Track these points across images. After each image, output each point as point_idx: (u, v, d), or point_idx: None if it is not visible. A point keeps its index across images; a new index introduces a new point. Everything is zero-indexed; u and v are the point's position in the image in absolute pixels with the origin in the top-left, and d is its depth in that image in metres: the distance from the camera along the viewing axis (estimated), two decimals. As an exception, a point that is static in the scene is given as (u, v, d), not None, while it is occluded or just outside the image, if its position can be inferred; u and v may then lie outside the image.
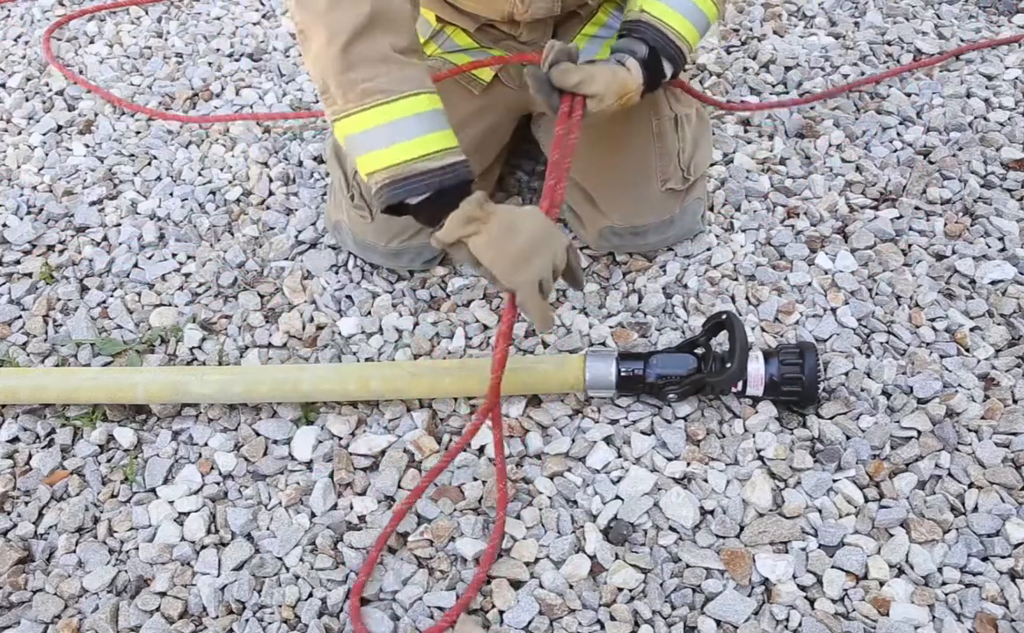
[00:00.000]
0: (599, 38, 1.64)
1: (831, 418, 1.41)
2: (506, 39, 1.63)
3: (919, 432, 1.38)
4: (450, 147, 1.29)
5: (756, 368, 1.38)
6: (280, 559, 1.29)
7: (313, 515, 1.34)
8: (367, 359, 1.56)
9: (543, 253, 1.26)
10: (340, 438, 1.44)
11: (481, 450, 1.41)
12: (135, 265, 1.76)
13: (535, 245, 1.26)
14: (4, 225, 1.84)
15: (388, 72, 1.26)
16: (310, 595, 1.25)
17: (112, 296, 1.70)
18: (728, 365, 1.35)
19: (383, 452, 1.41)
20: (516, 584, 1.24)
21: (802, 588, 1.22)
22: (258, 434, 1.45)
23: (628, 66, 1.41)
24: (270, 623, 1.22)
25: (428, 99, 1.29)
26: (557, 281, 1.31)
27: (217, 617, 1.23)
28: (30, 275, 1.74)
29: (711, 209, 1.78)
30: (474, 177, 1.31)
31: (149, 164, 1.99)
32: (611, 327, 1.57)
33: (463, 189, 1.28)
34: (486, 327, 1.60)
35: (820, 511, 1.30)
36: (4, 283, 1.73)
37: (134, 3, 2.50)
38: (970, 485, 1.32)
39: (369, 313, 1.63)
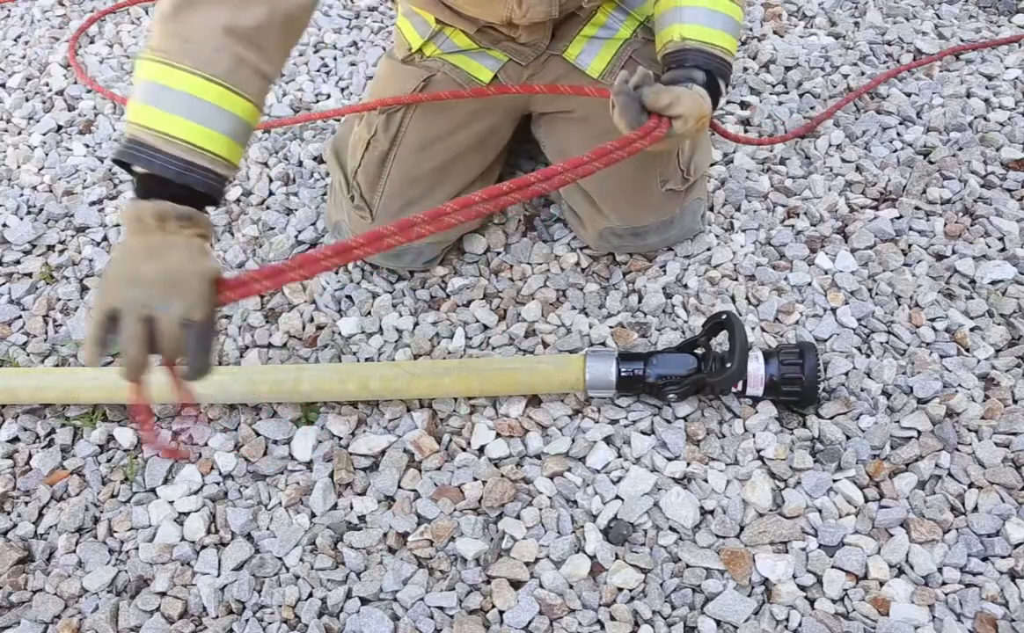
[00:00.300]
0: (598, 39, 1.64)
1: (831, 418, 1.41)
2: (505, 40, 1.63)
3: (919, 432, 1.38)
4: (214, 151, 1.14)
5: (756, 368, 1.38)
6: (280, 559, 1.29)
7: (313, 515, 1.34)
8: (367, 359, 1.56)
9: (165, 288, 1.06)
10: (340, 438, 1.44)
11: (481, 450, 1.41)
12: (135, 265, 1.75)
13: (164, 276, 1.07)
14: (4, 225, 1.84)
15: (204, 45, 1.13)
16: (310, 595, 1.25)
17: (112, 296, 1.70)
18: (728, 365, 1.35)
19: (383, 452, 1.41)
20: (516, 584, 1.24)
21: (802, 588, 1.22)
22: (258, 434, 1.45)
23: (699, 92, 1.39)
24: (270, 623, 1.22)
25: (221, 92, 1.14)
26: (178, 341, 1.07)
27: (217, 617, 1.23)
28: (30, 275, 1.74)
29: (711, 209, 1.78)
30: (213, 200, 1.16)
31: (149, 164, 1.99)
32: (611, 327, 1.57)
33: (191, 195, 1.13)
34: (486, 327, 1.60)
35: (820, 511, 1.30)
36: (4, 283, 1.73)
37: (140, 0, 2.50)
38: (970, 485, 1.32)
39: (369, 313, 1.63)
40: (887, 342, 1.52)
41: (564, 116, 1.65)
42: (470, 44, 1.64)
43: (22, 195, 1.92)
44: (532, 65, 1.64)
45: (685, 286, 1.64)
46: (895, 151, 1.89)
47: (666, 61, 1.45)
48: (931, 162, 1.85)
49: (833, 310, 1.58)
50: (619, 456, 1.39)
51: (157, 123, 1.12)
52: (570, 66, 1.64)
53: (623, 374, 1.39)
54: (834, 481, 1.33)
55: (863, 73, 2.09)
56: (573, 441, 1.41)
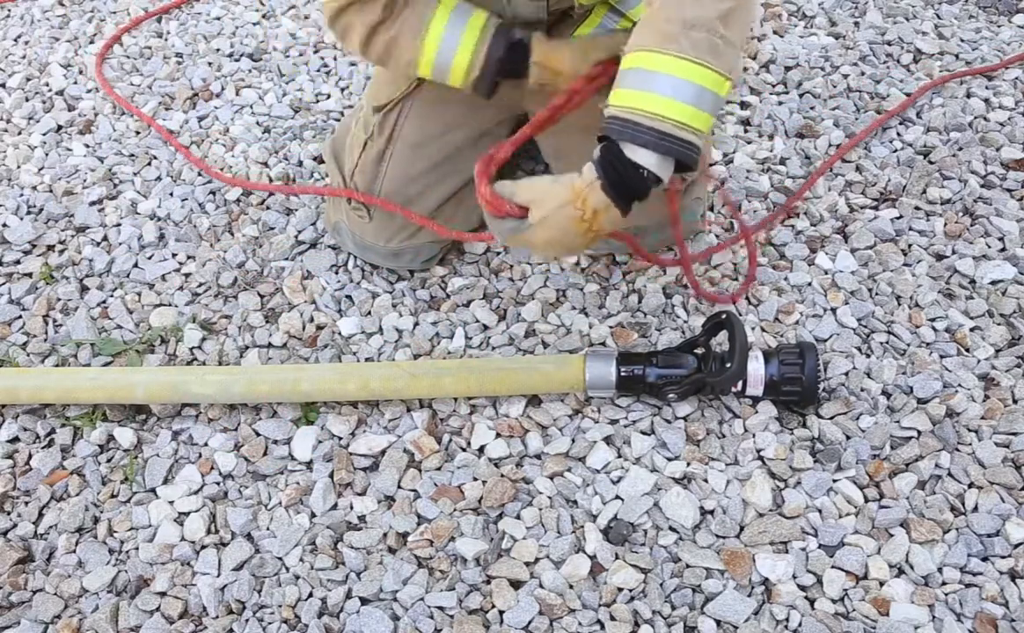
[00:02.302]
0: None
1: (831, 418, 1.41)
2: None
3: (919, 432, 1.38)
4: (480, 29, 1.43)
5: (756, 368, 1.38)
6: (280, 559, 1.29)
7: (313, 515, 1.34)
8: (367, 359, 1.56)
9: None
10: (340, 438, 1.44)
11: (481, 450, 1.41)
12: (135, 265, 1.76)
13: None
14: (4, 225, 1.84)
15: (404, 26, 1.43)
16: (310, 595, 1.25)
17: (112, 296, 1.70)
18: (728, 365, 1.35)
19: (383, 452, 1.41)
20: (516, 584, 1.24)
21: (802, 588, 1.22)
22: (258, 434, 1.45)
23: (582, 171, 1.25)
24: (270, 623, 1.22)
25: (441, 10, 1.43)
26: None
27: (217, 617, 1.23)
28: (30, 275, 1.74)
29: (711, 209, 1.77)
30: (513, 29, 1.45)
31: (149, 164, 1.99)
32: (611, 327, 1.57)
33: (513, 45, 1.44)
34: (486, 327, 1.60)
35: (820, 511, 1.30)
36: (4, 283, 1.73)
37: (164, 10, 2.48)
38: (970, 485, 1.32)
39: (369, 313, 1.63)
40: (887, 342, 1.52)
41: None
42: None
43: (22, 195, 1.92)
44: None
45: (685, 286, 1.64)
46: (895, 151, 1.89)
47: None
48: (931, 162, 1.85)
49: (833, 310, 1.58)
50: (619, 456, 1.39)
51: (464, 55, 1.45)
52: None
53: (623, 374, 1.39)
54: (834, 481, 1.33)
55: (863, 73, 2.09)
56: (573, 441, 1.40)
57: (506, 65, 1.45)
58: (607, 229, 1.29)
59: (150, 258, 1.76)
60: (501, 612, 1.22)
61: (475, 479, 1.37)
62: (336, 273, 1.71)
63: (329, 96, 2.15)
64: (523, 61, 1.46)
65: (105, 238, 1.82)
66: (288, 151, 1.98)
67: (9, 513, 1.38)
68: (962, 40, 2.19)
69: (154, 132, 2.06)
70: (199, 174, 1.94)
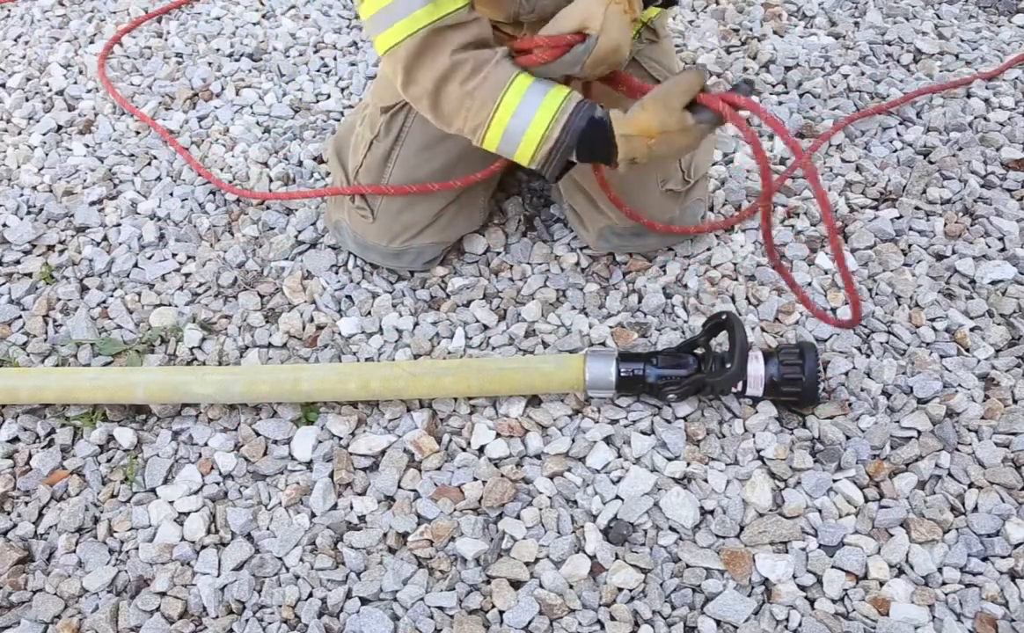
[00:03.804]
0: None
1: (831, 418, 1.41)
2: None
3: (919, 432, 1.38)
4: (563, 100, 1.35)
5: (756, 368, 1.38)
6: (280, 559, 1.29)
7: (313, 515, 1.34)
8: (367, 359, 1.56)
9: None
10: (340, 438, 1.44)
11: (481, 450, 1.41)
12: (135, 265, 1.76)
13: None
14: (4, 225, 1.84)
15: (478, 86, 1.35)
16: (310, 595, 1.25)
17: (112, 296, 1.70)
18: (728, 365, 1.35)
19: (383, 452, 1.41)
20: (516, 584, 1.24)
21: (802, 588, 1.22)
22: (258, 434, 1.45)
23: None
24: (270, 623, 1.22)
25: (522, 79, 1.36)
26: None
27: (217, 617, 1.23)
28: (30, 275, 1.74)
29: (711, 209, 1.77)
30: (595, 104, 1.36)
31: (149, 164, 1.99)
32: (611, 327, 1.57)
33: (594, 121, 1.34)
34: (486, 327, 1.60)
35: (820, 511, 1.30)
36: (4, 283, 1.73)
37: (164, 11, 2.48)
38: (970, 485, 1.32)
39: (369, 313, 1.63)
40: (887, 342, 1.52)
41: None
42: None
43: (22, 195, 1.92)
44: None
45: (685, 286, 1.64)
46: (895, 151, 1.89)
47: None
48: (931, 162, 1.85)
49: (833, 310, 1.58)
50: (619, 456, 1.39)
51: (541, 125, 1.36)
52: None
53: (623, 374, 1.39)
54: (834, 481, 1.33)
55: (863, 73, 2.09)
56: (573, 441, 1.40)
57: (587, 142, 1.36)
58: (639, 13, 1.37)
59: (150, 258, 1.77)
60: (501, 612, 1.22)
61: (475, 479, 1.37)
62: (336, 273, 1.71)
63: (329, 96, 2.16)
64: (606, 137, 1.35)
65: (105, 238, 1.82)
66: (288, 151, 1.98)
67: (9, 513, 1.38)
68: (962, 40, 2.19)
69: (154, 132, 2.06)
70: (199, 174, 1.94)
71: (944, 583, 1.22)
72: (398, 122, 1.64)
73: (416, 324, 1.61)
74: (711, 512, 1.31)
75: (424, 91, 1.38)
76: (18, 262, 1.77)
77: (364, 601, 1.24)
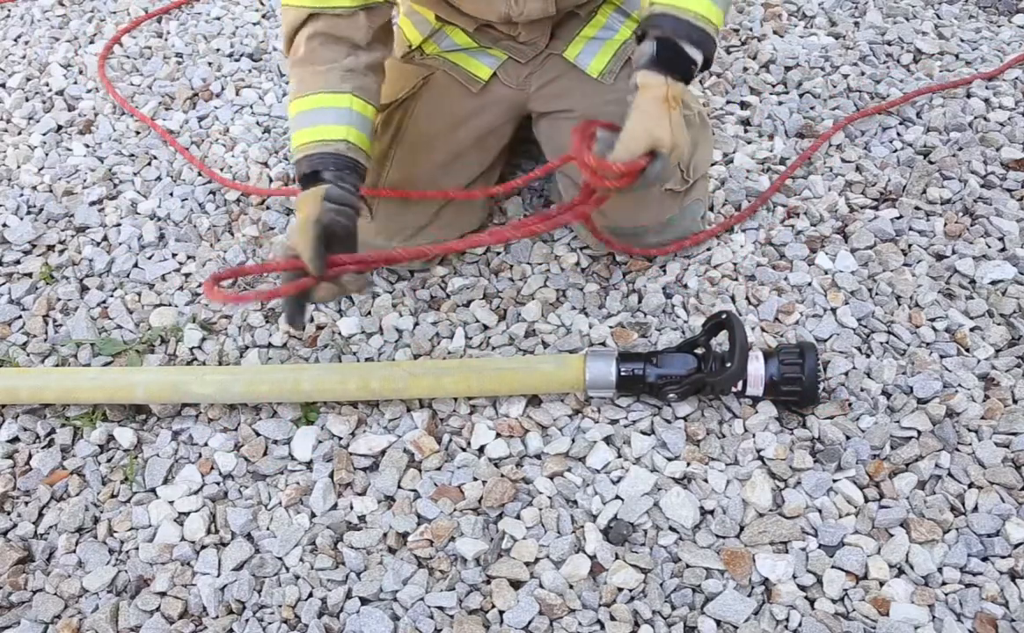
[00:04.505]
0: (598, 39, 1.64)
1: (831, 418, 1.41)
2: (505, 39, 1.63)
3: (919, 432, 1.38)
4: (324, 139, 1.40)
5: (756, 368, 1.38)
6: (280, 559, 1.29)
7: (313, 515, 1.34)
8: (367, 359, 1.56)
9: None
10: (340, 438, 1.44)
11: (481, 450, 1.41)
12: (135, 265, 1.76)
13: None
14: (4, 225, 1.84)
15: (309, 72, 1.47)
16: (310, 595, 1.25)
17: (112, 296, 1.70)
18: (728, 365, 1.35)
19: (383, 452, 1.41)
20: (516, 584, 1.24)
21: (802, 588, 1.22)
22: (258, 434, 1.45)
23: (640, 83, 1.31)
24: (270, 623, 1.22)
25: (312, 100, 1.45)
26: None
27: (217, 617, 1.23)
28: (30, 275, 1.74)
29: (711, 209, 1.77)
30: (351, 167, 1.40)
31: (149, 164, 1.99)
32: (611, 327, 1.57)
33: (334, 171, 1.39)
34: (486, 327, 1.60)
35: (820, 511, 1.30)
36: (4, 283, 1.73)
37: (164, 11, 2.48)
38: (970, 485, 1.32)
39: (369, 313, 1.63)
40: (887, 342, 1.52)
41: (564, 115, 1.65)
42: (469, 42, 1.64)
43: (22, 195, 1.92)
44: (531, 64, 1.64)
45: (685, 286, 1.64)
46: (895, 151, 1.89)
47: (638, 37, 1.36)
48: (931, 162, 1.85)
49: (833, 310, 1.58)
50: (619, 456, 1.39)
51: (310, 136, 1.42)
52: (569, 65, 1.64)
53: (623, 374, 1.39)
54: (834, 481, 1.33)
55: (863, 73, 2.09)
56: (573, 441, 1.40)
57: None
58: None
59: (150, 258, 1.77)
60: (501, 612, 1.22)
61: (475, 479, 1.37)
62: (336, 273, 1.71)
63: (329, 96, 2.15)
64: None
65: (105, 238, 1.82)
66: (288, 151, 1.98)
67: (9, 513, 1.38)
68: (962, 40, 2.19)
69: (154, 132, 2.06)
70: (199, 174, 1.94)
71: (944, 583, 1.22)
72: (395, 120, 1.64)
73: (416, 324, 1.61)
74: (711, 512, 1.31)
75: (285, 51, 1.56)
76: (18, 262, 1.77)
77: (364, 601, 1.24)
